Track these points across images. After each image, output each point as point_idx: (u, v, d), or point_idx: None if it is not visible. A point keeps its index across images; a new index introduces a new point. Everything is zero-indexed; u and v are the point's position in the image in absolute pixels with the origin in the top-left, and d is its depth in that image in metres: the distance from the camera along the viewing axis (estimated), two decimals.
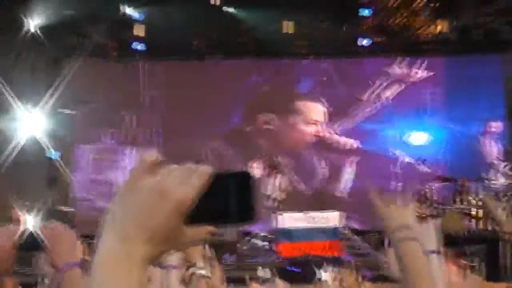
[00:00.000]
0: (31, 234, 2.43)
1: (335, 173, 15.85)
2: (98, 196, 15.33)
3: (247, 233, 13.15)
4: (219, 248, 10.00)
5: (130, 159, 15.74)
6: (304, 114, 15.97)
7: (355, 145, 15.82)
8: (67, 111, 15.36)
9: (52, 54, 15.44)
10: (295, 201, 14.73)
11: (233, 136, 15.87)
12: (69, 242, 2.49)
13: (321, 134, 15.91)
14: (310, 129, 15.93)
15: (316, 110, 16.00)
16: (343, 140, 15.90)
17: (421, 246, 2.19)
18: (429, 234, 2.66)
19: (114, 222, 1.08)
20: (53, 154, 15.21)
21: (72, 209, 14.83)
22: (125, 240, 1.06)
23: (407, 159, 14.80)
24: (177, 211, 1.07)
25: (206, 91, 15.62)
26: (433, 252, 2.65)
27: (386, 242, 2.25)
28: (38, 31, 14.54)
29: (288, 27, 15.45)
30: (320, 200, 15.03)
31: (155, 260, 1.09)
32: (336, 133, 15.94)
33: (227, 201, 1.10)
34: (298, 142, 15.92)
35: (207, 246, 3.90)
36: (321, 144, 15.91)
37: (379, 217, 2.21)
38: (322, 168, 15.90)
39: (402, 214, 2.17)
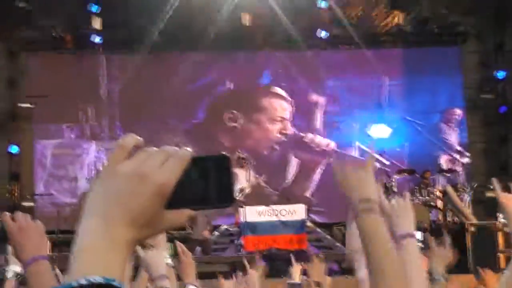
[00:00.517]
0: None
1: (304, 171, 15.81)
2: (58, 191, 15.16)
3: (214, 227, 13.09)
4: (187, 241, 9.92)
5: (89, 154, 15.56)
6: (269, 111, 15.92)
7: (330, 146, 15.77)
8: (26, 105, 15.15)
9: (9, 48, 15.20)
10: (260, 197, 14.62)
11: (197, 132, 15.75)
12: (36, 235, 2.40)
13: (287, 131, 15.87)
14: (276, 126, 15.88)
15: (282, 107, 15.96)
16: (318, 139, 15.84)
17: (385, 223, 2.14)
18: (404, 215, 2.59)
19: (96, 207, 1.06)
20: (13, 148, 15.02)
21: (32, 204, 14.63)
22: (108, 224, 1.04)
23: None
24: (158, 195, 1.06)
25: (166, 85, 15.47)
26: (408, 235, 2.57)
27: (349, 214, 2.17)
28: None
29: (246, 19, 15.30)
30: (286, 196, 14.96)
31: (137, 245, 1.12)
32: (306, 131, 15.91)
33: (206, 185, 1.10)
34: (263, 140, 15.86)
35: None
36: (290, 142, 15.86)
37: (342, 188, 2.16)
38: (290, 166, 15.85)
39: (364, 186, 2.12)
